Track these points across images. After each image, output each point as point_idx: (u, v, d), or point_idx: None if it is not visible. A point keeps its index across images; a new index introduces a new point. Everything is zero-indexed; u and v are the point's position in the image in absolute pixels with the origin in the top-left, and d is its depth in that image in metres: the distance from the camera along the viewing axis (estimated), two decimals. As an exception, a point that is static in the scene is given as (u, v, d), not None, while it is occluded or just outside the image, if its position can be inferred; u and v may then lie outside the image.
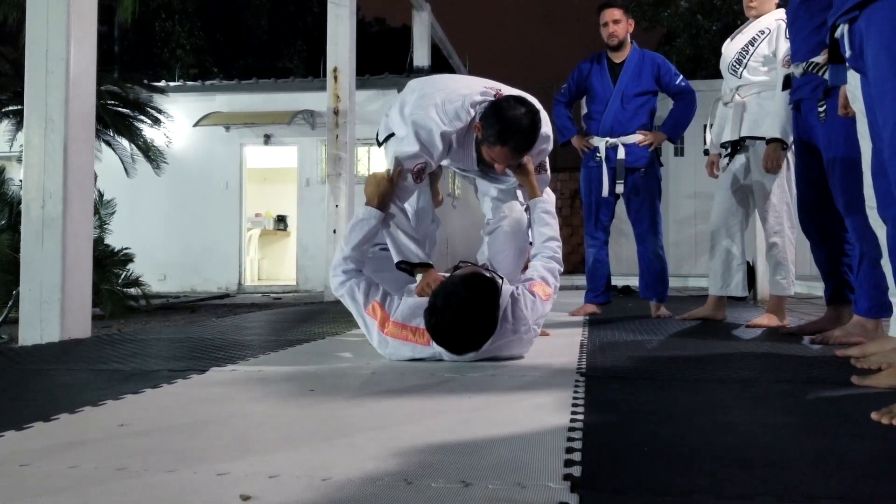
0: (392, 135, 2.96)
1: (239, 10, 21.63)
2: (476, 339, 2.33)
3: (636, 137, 4.15)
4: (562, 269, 2.75)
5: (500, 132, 2.54)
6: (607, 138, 4.17)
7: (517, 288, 2.52)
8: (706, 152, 4.14)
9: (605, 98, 4.23)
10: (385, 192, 2.61)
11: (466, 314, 2.28)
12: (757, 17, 3.68)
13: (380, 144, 3.11)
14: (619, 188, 4.16)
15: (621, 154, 4.14)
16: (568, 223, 12.89)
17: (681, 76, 4.22)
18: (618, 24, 4.19)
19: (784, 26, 3.48)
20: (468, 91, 2.72)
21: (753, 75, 3.65)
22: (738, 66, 3.69)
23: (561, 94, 4.41)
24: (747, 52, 3.65)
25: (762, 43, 3.60)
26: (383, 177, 2.63)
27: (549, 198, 2.91)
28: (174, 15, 19.79)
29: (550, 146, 2.97)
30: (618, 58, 4.25)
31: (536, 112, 2.63)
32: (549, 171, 3.02)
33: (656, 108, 4.30)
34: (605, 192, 4.16)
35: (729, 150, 3.76)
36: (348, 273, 2.57)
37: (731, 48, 3.75)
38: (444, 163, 2.85)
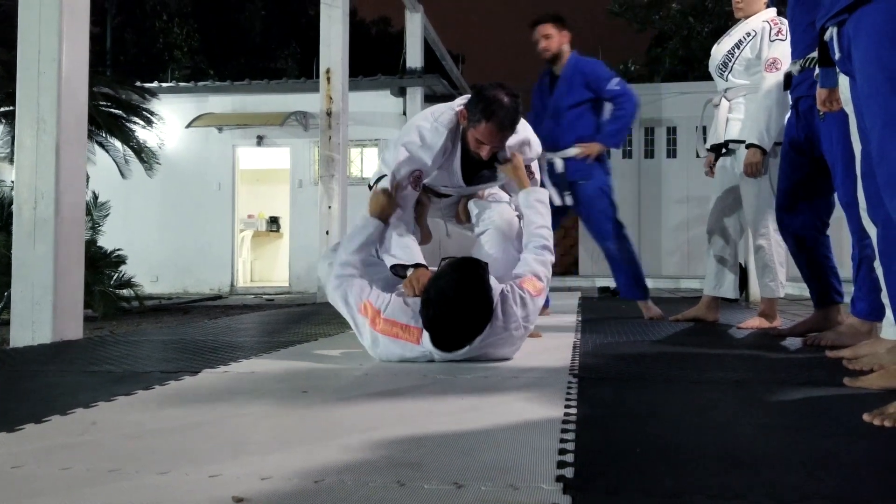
0: (384, 176, 2.97)
1: (233, 12, 21.65)
2: (475, 324, 2.34)
3: (573, 151, 4.09)
4: (553, 259, 2.76)
5: (484, 108, 2.64)
6: (547, 153, 4.06)
7: (507, 285, 2.53)
8: (698, 155, 4.13)
9: (544, 113, 4.20)
10: (384, 205, 2.74)
11: (461, 297, 2.30)
12: (745, 17, 3.68)
13: (370, 188, 3.14)
14: (569, 199, 4.14)
15: (559, 168, 4.11)
16: (560, 225, 12.91)
17: (614, 80, 4.11)
18: (550, 39, 4.16)
19: (769, 28, 3.50)
20: (453, 102, 2.87)
21: (738, 78, 3.65)
22: (723, 69, 3.70)
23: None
24: (733, 55, 3.65)
25: (747, 46, 3.61)
26: (382, 191, 2.76)
27: (541, 190, 2.94)
28: (174, 18, 19.82)
29: (538, 151, 3.03)
30: (558, 70, 4.22)
31: (517, 95, 2.73)
32: (538, 178, 3.04)
33: (600, 116, 4.17)
34: (557, 201, 4.07)
35: (721, 151, 3.77)
36: (341, 278, 2.61)
37: (718, 50, 3.75)
38: (429, 180, 2.88)
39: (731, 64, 3.66)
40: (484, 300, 2.35)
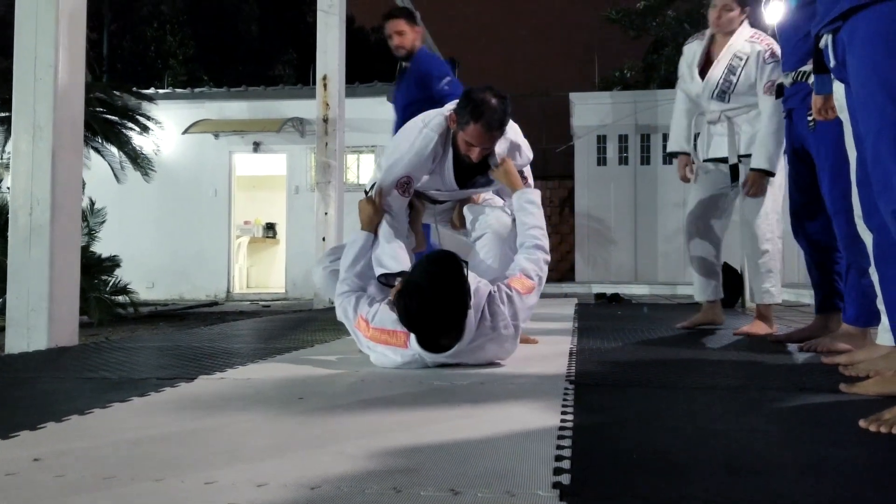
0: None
1: (230, 18, 21.65)
2: (450, 316, 2.31)
3: None
4: (548, 258, 2.76)
5: (472, 110, 2.67)
6: None
7: (496, 286, 2.53)
8: (673, 155, 4.02)
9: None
10: (370, 214, 2.79)
11: (435, 288, 2.28)
12: (721, 33, 3.61)
13: (366, 194, 3.15)
14: None
15: None
16: (557, 231, 12.89)
17: (446, 79, 4.00)
18: (403, 36, 4.07)
19: (762, 51, 3.47)
20: (443, 107, 2.91)
21: (741, 102, 3.58)
22: (724, 95, 3.61)
23: None
24: (731, 81, 3.57)
25: (742, 71, 3.53)
26: (367, 200, 2.82)
27: (533, 191, 2.96)
28: (165, 25, 19.80)
29: (529, 156, 3.05)
30: None
31: (506, 97, 2.76)
32: (532, 181, 3.06)
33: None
34: None
35: (720, 165, 3.73)
36: (341, 296, 2.68)
37: (712, 77, 3.62)
38: (423, 180, 2.88)
39: (730, 90, 3.57)
40: (458, 292, 2.31)
